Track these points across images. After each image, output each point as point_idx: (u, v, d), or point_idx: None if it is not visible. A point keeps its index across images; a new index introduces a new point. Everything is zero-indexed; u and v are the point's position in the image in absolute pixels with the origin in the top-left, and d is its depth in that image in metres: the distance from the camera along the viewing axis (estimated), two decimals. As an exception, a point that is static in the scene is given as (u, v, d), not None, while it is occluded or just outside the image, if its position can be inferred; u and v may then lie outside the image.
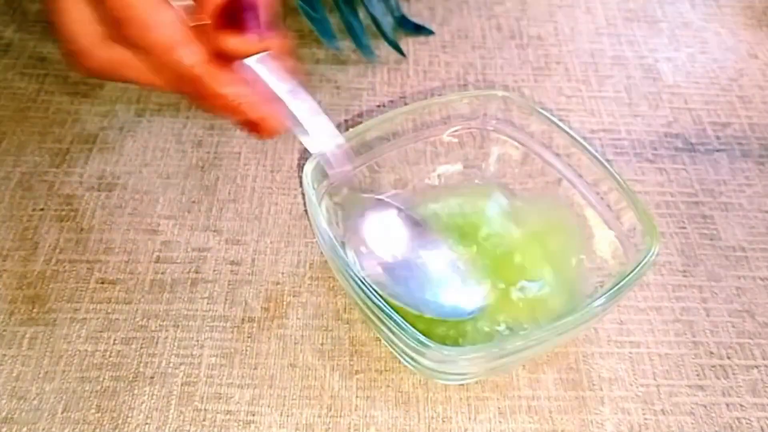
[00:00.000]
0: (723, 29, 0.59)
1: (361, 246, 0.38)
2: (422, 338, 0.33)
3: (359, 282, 0.34)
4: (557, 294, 0.39)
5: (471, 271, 0.39)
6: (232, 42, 0.29)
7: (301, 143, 0.49)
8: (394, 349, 0.37)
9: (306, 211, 0.45)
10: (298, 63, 0.34)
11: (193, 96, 0.31)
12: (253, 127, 0.32)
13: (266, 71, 0.31)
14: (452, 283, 0.39)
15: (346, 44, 0.54)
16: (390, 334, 0.34)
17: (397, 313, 0.33)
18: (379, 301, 0.34)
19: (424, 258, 0.39)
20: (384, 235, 0.39)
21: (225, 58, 0.30)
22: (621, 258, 0.38)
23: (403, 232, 0.39)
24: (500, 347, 0.34)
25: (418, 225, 0.39)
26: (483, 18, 0.59)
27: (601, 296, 0.35)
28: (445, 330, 0.38)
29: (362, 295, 0.34)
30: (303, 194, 0.45)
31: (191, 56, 0.30)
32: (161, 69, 0.30)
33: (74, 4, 0.31)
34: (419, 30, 0.56)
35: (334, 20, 0.54)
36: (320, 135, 0.35)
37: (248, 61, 0.31)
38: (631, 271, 0.35)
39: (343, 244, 0.40)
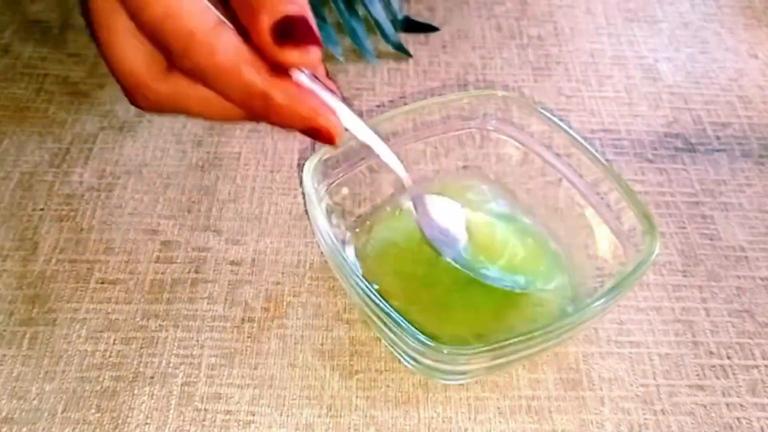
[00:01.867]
0: (723, 29, 0.59)
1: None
2: (422, 338, 0.33)
3: (359, 282, 0.34)
4: (558, 293, 0.39)
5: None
6: (293, 55, 0.29)
7: (301, 143, 0.49)
8: (394, 349, 0.37)
9: (306, 211, 0.45)
10: (332, 75, 0.34)
11: (262, 114, 0.31)
12: (319, 134, 0.32)
13: (317, 84, 0.31)
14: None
15: (346, 44, 0.54)
16: (390, 334, 0.34)
17: (398, 312, 0.33)
18: (380, 300, 0.34)
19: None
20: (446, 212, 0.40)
21: (281, 73, 0.30)
22: (621, 258, 0.38)
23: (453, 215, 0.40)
24: (500, 347, 0.34)
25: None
26: (483, 18, 0.59)
27: (600, 296, 0.35)
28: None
29: (362, 295, 0.34)
30: (303, 194, 0.45)
31: (258, 72, 0.30)
32: (229, 92, 0.30)
33: (126, 38, 0.30)
34: (424, 28, 0.56)
35: (334, 21, 0.54)
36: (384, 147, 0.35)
37: (300, 74, 0.31)
38: (631, 271, 0.35)
39: (343, 244, 0.41)
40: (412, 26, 0.57)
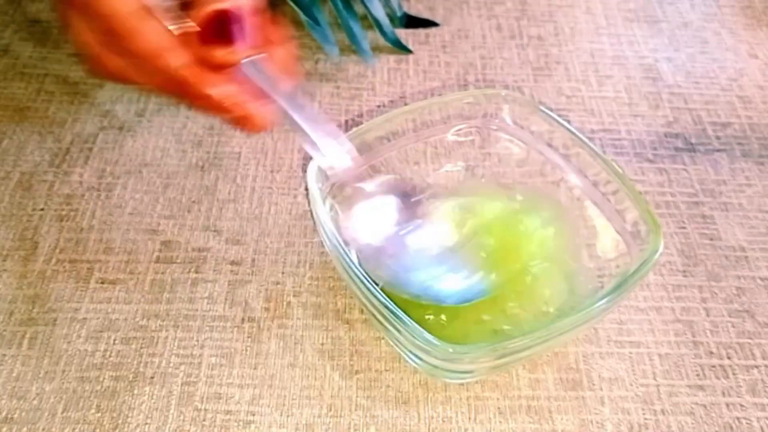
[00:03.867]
0: (723, 29, 0.59)
1: (350, 229, 0.38)
2: (428, 336, 0.33)
3: (364, 281, 0.34)
4: (558, 293, 0.39)
5: (466, 261, 0.39)
6: (218, 54, 0.31)
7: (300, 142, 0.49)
8: (399, 347, 0.37)
9: (308, 210, 0.45)
10: (299, 65, 0.34)
11: (182, 97, 0.33)
12: (241, 123, 0.33)
13: (260, 74, 0.32)
14: (445, 270, 0.39)
15: (346, 42, 0.54)
16: (396, 333, 0.34)
17: (402, 310, 0.33)
18: (385, 299, 0.33)
19: (418, 242, 0.39)
20: (375, 217, 0.39)
21: (214, 64, 0.32)
22: (624, 257, 0.38)
23: (396, 215, 0.39)
24: (505, 346, 0.34)
25: (414, 212, 0.40)
26: (483, 18, 0.59)
27: (603, 296, 0.35)
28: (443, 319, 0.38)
29: (367, 294, 0.34)
30: (307, 193, 0.45)
31: (176, 60, 0.31)
32: (152, 73, 0.32)
33: (78, 18, 0.32)
34: (425, 23, 0.57)
35: (331, 20, 0.54)
36: (317, 135, 0.35)
37: (243, 63, 0.31)
38: (634, 272, 0.35)
39: (347, 243, 0.40)
40: (413, 22, 0.57)
